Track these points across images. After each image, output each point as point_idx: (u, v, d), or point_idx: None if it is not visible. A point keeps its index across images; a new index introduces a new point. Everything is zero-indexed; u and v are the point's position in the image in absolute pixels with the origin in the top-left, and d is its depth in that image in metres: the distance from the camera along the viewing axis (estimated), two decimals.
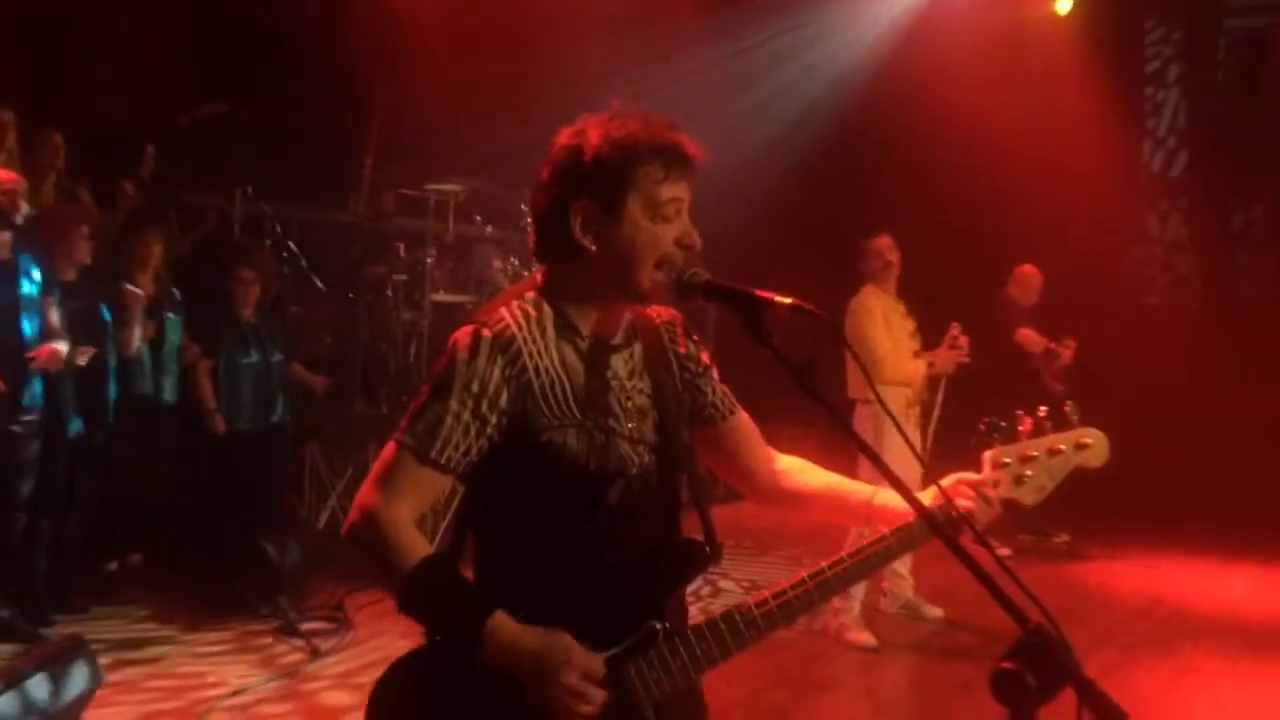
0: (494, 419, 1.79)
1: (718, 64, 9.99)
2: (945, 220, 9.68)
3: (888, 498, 1.96)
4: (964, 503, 1.90)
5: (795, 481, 2.08)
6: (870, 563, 1.90)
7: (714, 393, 2.03)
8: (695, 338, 2.04)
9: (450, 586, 1.78)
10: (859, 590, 5.56)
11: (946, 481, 1.93)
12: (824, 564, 1.88)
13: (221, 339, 6.14)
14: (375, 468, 1.83)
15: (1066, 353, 7.72)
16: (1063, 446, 1.94)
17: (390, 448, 1.81)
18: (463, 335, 1.82)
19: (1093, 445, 1.95)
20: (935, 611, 6.06)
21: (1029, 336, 7.77)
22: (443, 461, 1.78)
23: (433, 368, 1.86)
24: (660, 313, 2.00)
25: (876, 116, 10.06)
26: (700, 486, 1.98)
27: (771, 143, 9.97)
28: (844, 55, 10.56)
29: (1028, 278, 7.91)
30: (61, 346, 5.13)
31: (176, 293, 6.19)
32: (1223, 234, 11.09)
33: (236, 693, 4.56)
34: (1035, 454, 1.94)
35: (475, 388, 1.78)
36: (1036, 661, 1.29)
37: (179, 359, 6.07)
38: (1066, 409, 1.97)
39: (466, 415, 1.77)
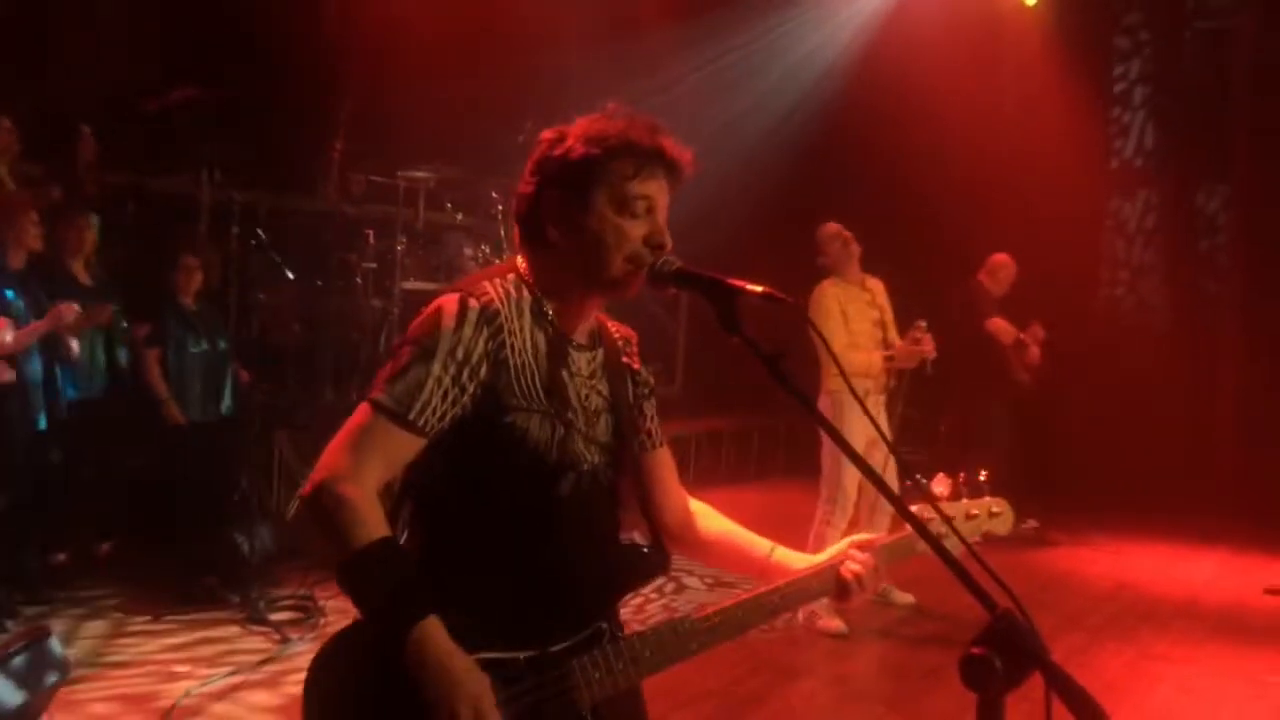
0: (471, 388, 1.78)
1: (695, 63, 9.97)
2: (925, 213, 9.72)
3: (784, 555, 2.03)
4: (854, 567, 1.97)
5: (700, 527, 2.12)
6: (813, 589, 1.98)
7: (651, 420, 2.07)
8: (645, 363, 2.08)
9: (391, 578, 1.70)
10: None
11: (841, 545, 2.02)
12: (764, 588, 1.93)
13: (168, 327, 6.02)
14: (344, 430, 1.76)
15: (1034, 347, 7.72)
16: (977, 512, 2.05)
17: (363, 409, 1.77)
18: (449, 302, 1.81)
19: (1001, 515, 2.08)
20: (906, 598, 6.11)
21: (1000, 326, 7.67)
22: (420, 424, 1.75)
23: (409, 332, 1.82)
24: (619, 329, 2.04)
25: (854, 110, 10.07)
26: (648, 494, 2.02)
27: (750, 140, 9.96)
28: (820, 52, 10.55)
29: (1001, 267, 7.81)
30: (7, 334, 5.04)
31: (100, 274, 5.98)
32: (1191, 254, 11.23)
33: (205, 683, 4.52)
34: (954, 515, 2.03)
35: (460, 354, 1.77)
36: (1005, 647, 1.30)
37: (125, 344, 5.95)
38: (981, 478, 2.08)
39: (448, 380, 1.76)
